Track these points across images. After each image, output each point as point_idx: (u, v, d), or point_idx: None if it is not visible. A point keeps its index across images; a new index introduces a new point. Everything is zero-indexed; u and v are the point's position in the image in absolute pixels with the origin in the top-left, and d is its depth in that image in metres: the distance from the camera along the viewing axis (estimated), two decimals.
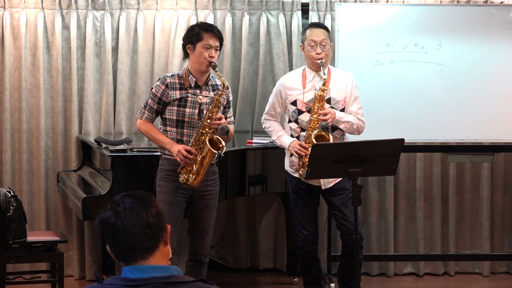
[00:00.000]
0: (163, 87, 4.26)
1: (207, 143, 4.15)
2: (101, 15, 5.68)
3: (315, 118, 4.43)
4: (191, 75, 4.28)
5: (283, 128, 4.69)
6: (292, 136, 4.59)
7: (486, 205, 5.91)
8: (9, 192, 4.64)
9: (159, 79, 4.34)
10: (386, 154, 4.06)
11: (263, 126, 4.77)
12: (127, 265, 2.09)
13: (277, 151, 5.03)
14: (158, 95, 4.27)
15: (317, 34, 4.54)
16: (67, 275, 5.49)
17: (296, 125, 4.56)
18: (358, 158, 3.96)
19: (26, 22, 5.58)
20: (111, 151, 4.82)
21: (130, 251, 2.08)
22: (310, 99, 4.52)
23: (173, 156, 4.22)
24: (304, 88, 4.56)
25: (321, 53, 4.50)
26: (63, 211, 5.70)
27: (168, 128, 4.30)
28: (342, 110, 4.57)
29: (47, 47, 5.66)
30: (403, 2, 5.76)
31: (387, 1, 5.82)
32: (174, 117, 4.26)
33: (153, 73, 5.72)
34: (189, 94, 4.25)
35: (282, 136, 4.62)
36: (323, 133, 4.39)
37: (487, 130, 5.41)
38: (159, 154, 4.38)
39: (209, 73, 4.33)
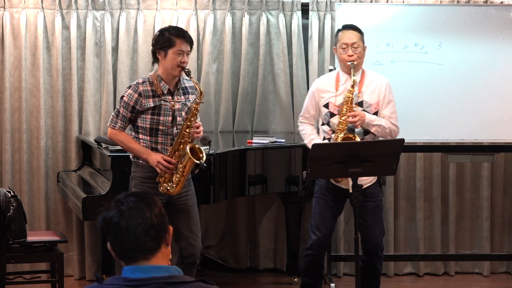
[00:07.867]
0: (136, 95, 4.18)
1: (188, 152, 4.12)
2: (101, 15, 5.68)
3: (343, 120, 4.40)
4: (162, 82, 4.22)
5: (317, 131, 4.64)
6: (324, 138, 4.54)
7: (486, 205, 5.91)
8: (9, 192, 4.64)
9: (130, 86, 4.24)
10: (386, 154, 4.06)
11: (298, 129, 4.75)
12: (128, 265, 2.10)
13: (277, 151, 5.03)
14: (131, 103, 4.19)
15: (348, 37, 4.51)
16: (67, 275, 5.49)
17: (328, 128, 4.52)
18: (358, 158, 3.96)
19: (26, 22, 5.58)
20: (111, 151, 4.82)
21: (133, 251, 2.09)
22: (342, 102, 4.48)
23: (147, 163, 4.19)
24: (336, 91, 4.52)
25: (352, 55, 4.47)
26: (63, 211, 5.70)
27: (140, 136, 4.24)
28: (375, 113, 4.50)
29: (47, 47, 5.66)
30: (403, 2, 5.76)
31: (387, 1, 5.82)
32: (148, 125, 4.20)
33: None
34: (162, 102, 4.20)
35: (313, 140, 4.55)
36: (350, 135, 4.34)
37: (487, 130, 5.41)
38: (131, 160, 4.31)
39: (179, 77, 4.27)
